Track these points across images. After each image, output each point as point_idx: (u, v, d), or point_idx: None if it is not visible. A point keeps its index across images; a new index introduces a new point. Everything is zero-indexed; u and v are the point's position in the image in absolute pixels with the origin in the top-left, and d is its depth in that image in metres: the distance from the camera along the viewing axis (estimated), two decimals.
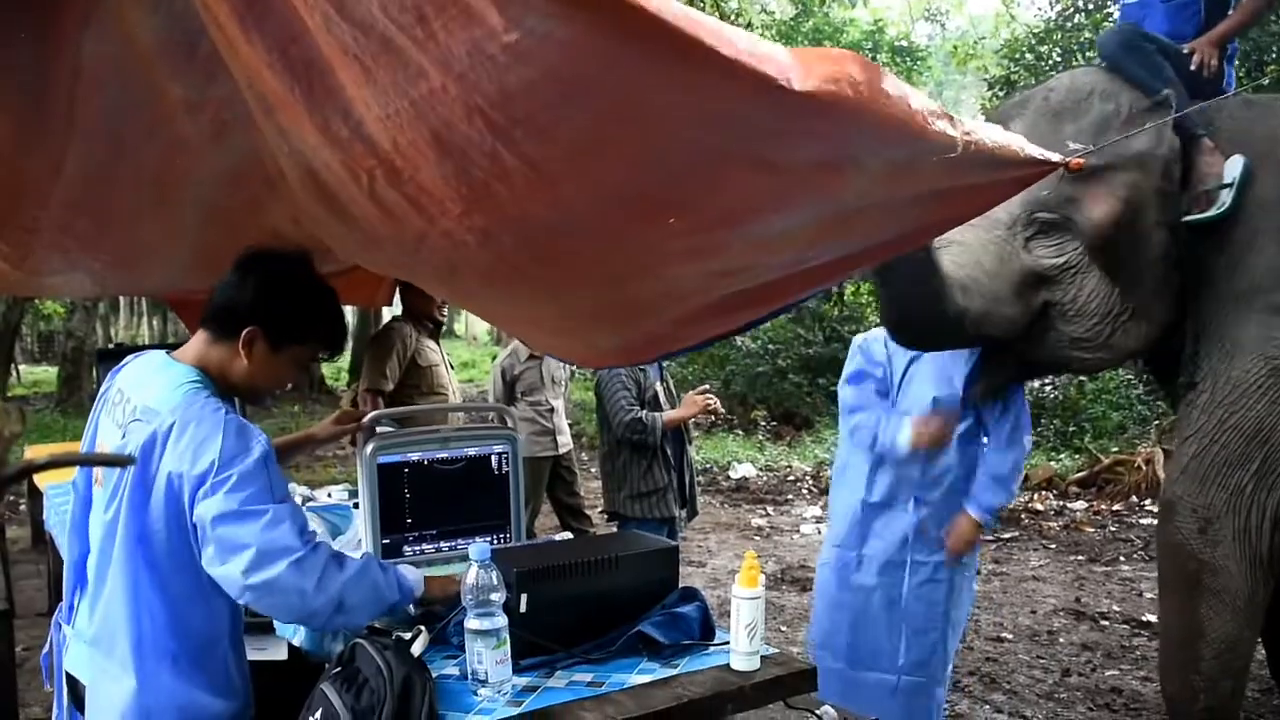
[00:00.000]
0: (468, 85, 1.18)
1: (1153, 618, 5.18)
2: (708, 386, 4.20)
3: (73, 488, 1.95)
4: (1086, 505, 8.14)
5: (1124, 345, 3.13)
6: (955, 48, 16.69)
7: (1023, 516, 7.74)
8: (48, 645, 2.08)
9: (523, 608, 1.96)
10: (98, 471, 1.85)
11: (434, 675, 1.84)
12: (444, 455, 2.46)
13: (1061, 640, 5.02)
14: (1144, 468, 8.25)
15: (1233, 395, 2.95)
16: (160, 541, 1.72)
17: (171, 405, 1.73)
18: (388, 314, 8.21)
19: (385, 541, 2.37)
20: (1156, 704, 4.03)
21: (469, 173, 1.37)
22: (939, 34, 19.98)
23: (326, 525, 2.61)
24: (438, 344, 4.76)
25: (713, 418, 4.46)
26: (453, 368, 4.99)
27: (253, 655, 1.97)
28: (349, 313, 3.96)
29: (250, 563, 1.66)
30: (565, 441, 5.25)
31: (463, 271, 1.93)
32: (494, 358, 6.23)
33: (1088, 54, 9.58)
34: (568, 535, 4.16)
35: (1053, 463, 9.15)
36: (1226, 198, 2.93)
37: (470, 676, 1.83)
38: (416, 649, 1.86)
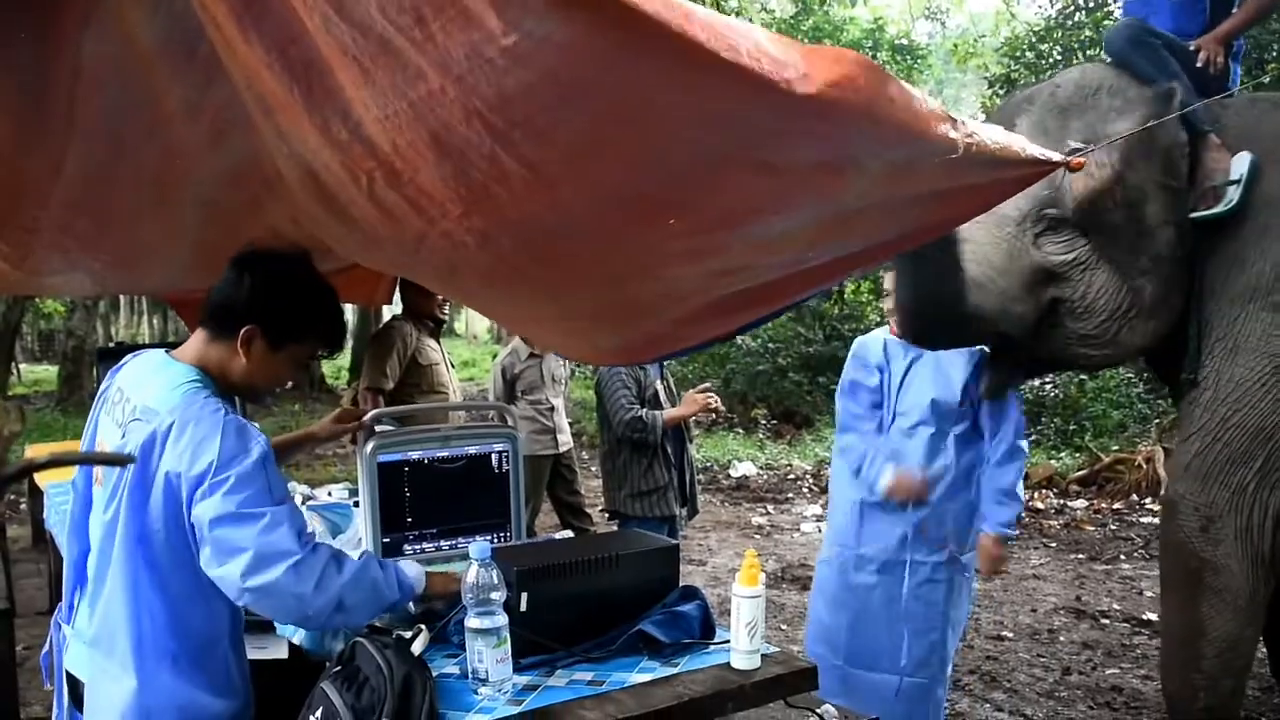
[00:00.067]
0: (466, 87, 1.18)
1: (1153, 616, 5.19)
2: (709, 385, 4.19)
3: (73, 487, 1.95)
4: (1087, 504, 8.14)
5: (1131, 342, 3.12)
6: (955, 46, 16.67)
7: (1023, 515, 7.73)
8: (47, 645, 2.08)
9: (523, 606, 1.96)
10: (98, 471, 1.85)
11: (434, 674, 1.84)
12: (444, 454, 2.46)
13: (1062, 639, 5.02)
14: (1144, 466, 8.25)
15: (1236, 393, 2.94)
16: (160, 541, 1.72)
17: (171, 405, 1.73)
18: (388, 312, 8.21)
19: (385, 540, 2.37)
20: (1157, 702, 4.03)
21: (468, 175, 1.37)
22: (939, 32, 19.94)
23: (326, 524, 2.62)
24: (438, 343, 4.76)
25: (713, 416, 4.46)
26: (453, 366, 4.99)
27: (253, 654, 1.96)
28: (349, 311, 3.97)
29: (248, 566, 1.66)
30: (566, 440, 5.25)
31: (463, 272, 1.94)
32: (494, 356, 6.23)
33: (1088, 52, 9.57)
34: (568, 534, 4.17)
35: (1053, 461, 9.16)
36: (1234, 194, 2.92)
37: (471, 675, 1.84)
38: (417, 648, 1.86)
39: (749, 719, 2.12)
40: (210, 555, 1.69)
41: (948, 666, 3.46)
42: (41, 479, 4.28)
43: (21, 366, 20.73)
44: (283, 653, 2.10)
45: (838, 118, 1.16)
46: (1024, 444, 3.37)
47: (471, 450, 2.49)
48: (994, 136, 1.33)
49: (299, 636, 2.09)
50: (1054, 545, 6.95)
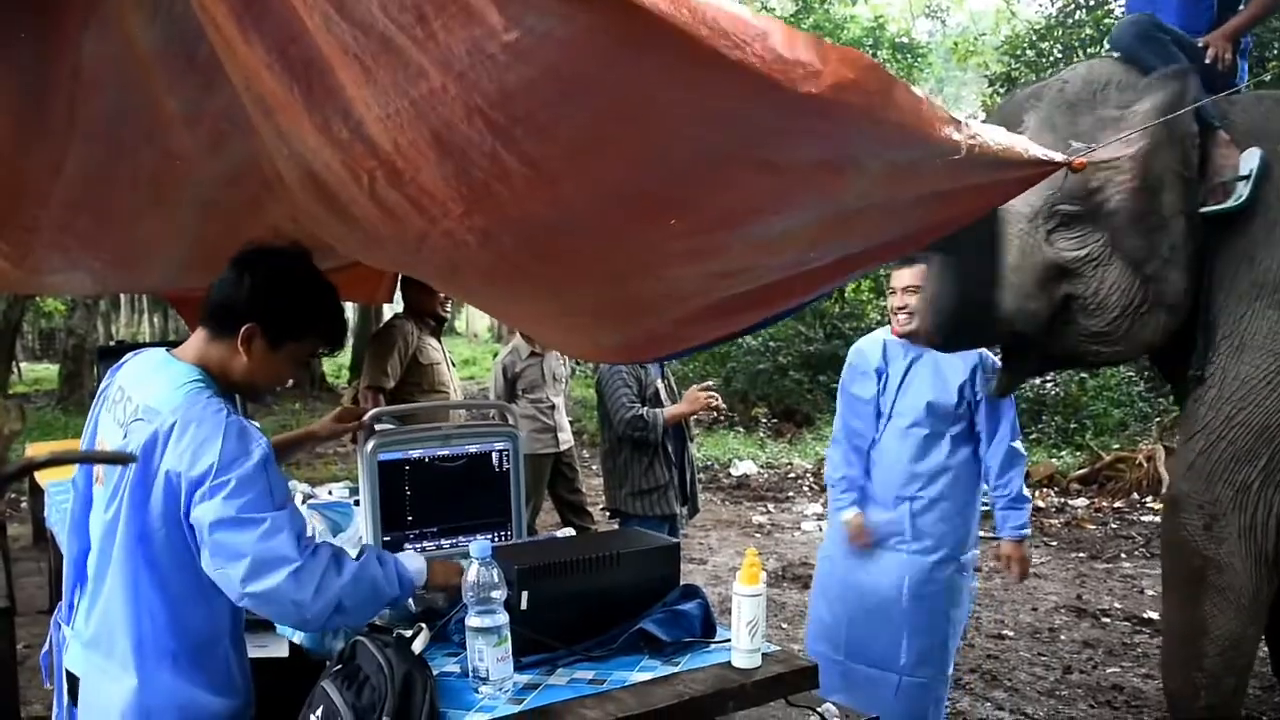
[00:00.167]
0: (467, 85, 1.18)
1: (1154, 615, 5.18)
2: (711, 384, 4.19)
3: (73, 485, 1.95)
4: (1088, 502, 8.14)
5: (1142, 337, 3.11)
6: (956, 44, 16.67)
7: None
8: (47, 644, 2.07)
9: (524, 605, 1.96)
10: (98, 470, 1.84)
11: (435, 673, 1.84)
12: (445, 452, 2.45)
13: (1063, 637, 5.02)
14: (1145, 465, 8.25)
15: (1240, 391, 2.93)
16: (160, 540, 1.72)
17: (173, 405, 1.72)
18: (389, 311, 8.21)
19: (386, 539, 2.37)
20: (1158, 701, 4.03)
21: (469, 173, 1.37)
22: (939, 30, 19.94)
23: (327, 523, 2.61)
24: (439, 342, 4.76)
25: (714, 414, 4.47)
26: (454, 365, 4.99)
27: (253, 653, 1.96)
28: (349, 309, 3.97)
29: (247, 572, 1.66)
30: (566, 438, 5.25)
31: (464, 270, 1.93)
32: (495, 355, 6.23)
33: (1089, 50, 9.56)
34: (569, 532, 4.16)
35: (1054, 460, 9.15)
36: (1244, 189, 2.91)
37: (471, 674, 1.83)
38: (417, 646, 1.86)
39: (750, 718, 2.12)
40: (210, 557, 1.68)
41: (949, 665, 3.46)
42: (42, 477, 4.28)
43: (22, 365, 20.75)
44: (283, 651, 2.10)
45: (840, 117, 1.15)
46: (1020, 444, 3.38)
47: (472, 449, 2.49)
48: (997, 138, 1.32)
49: (299, 635, 2.08)
50: (1055, 544, 6.95)
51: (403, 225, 1.62)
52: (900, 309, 3.37)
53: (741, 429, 11.81)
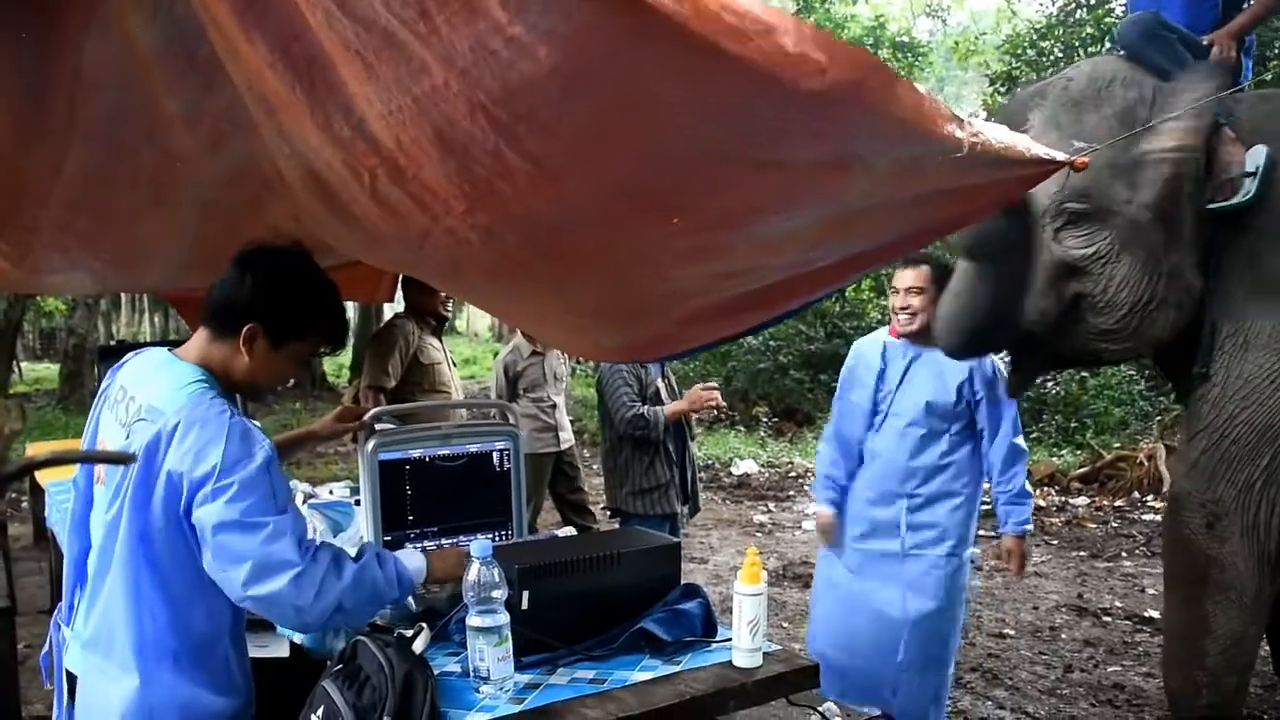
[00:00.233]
0: (470, 81, 1.17)
1: (1155, 614, 5.18)
2: (715, 385, 4.19)
3: (74, 485, 1.94)
4: (1088, 501, 8.14)
5: (1151, 334, 3.09)
6: (957, 43, 16.66)
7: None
8: (47, 645, 2.07)
9: (524, 604, 1.96)
10: (99, 469, 1.84)
11: (436, 672, 1.84)
12: (445, 452, 2.45)
13: (1064, 636, 5.02)
14: (1146, 463, 8.25)
15: (1244, 390, 2.93)
16: (161, 541, 1.71)
17: (177, 405, 1.72)
18: (390, 310, 8.21)
19: (387, 539, 2.36)
20: (1159, 700, 4.03)
21: (472, 170, 1.36)
22: (940, 29, 19.94)
23: (328, 522, 2.61)
24: (440, 341, 4.76)
25: (715, 413, 4.48)
26: (454, 365, 4.99)
27: (254, 652, 1.96)
28: (350, 309, 3.97)
29: (249, 575, 1.66)
30: (567, 437, 5.25)
31: (466, 268, 1.93)
32: (496, 354, 6.23)
33: (1090, 49, 9.56)
34: (570, 531, 4.16)
35: (1055, 459, 9.15)
36: (1251, 186, 2.90)
37: (472, 673, 1.83)
38: (418, 646, 1.86)
39: (751, 717, 2.12)
40: (212, 559, 1.68)
41: (950, 663, 3.46)
42: (43, 477, 4.28)
43: (23, 364, 20.76)
44: (284, 651, 2.10)
45: (843, 115, 1.15)
46: (1022, 441, 3.39)
47: (473, 448, 2.49)
48: (999, 136, 1.32)
49: (300, 635, 2.08)
50: (1056, 543, 6.94)
51: (405, 223, 1.62)
52: (902, 309, 3.37)
53: (742, 428, 11.81)
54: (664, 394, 4.15)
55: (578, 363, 11.69)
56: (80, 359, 14.49)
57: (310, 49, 1.30)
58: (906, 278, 3.36)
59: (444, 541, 2.44)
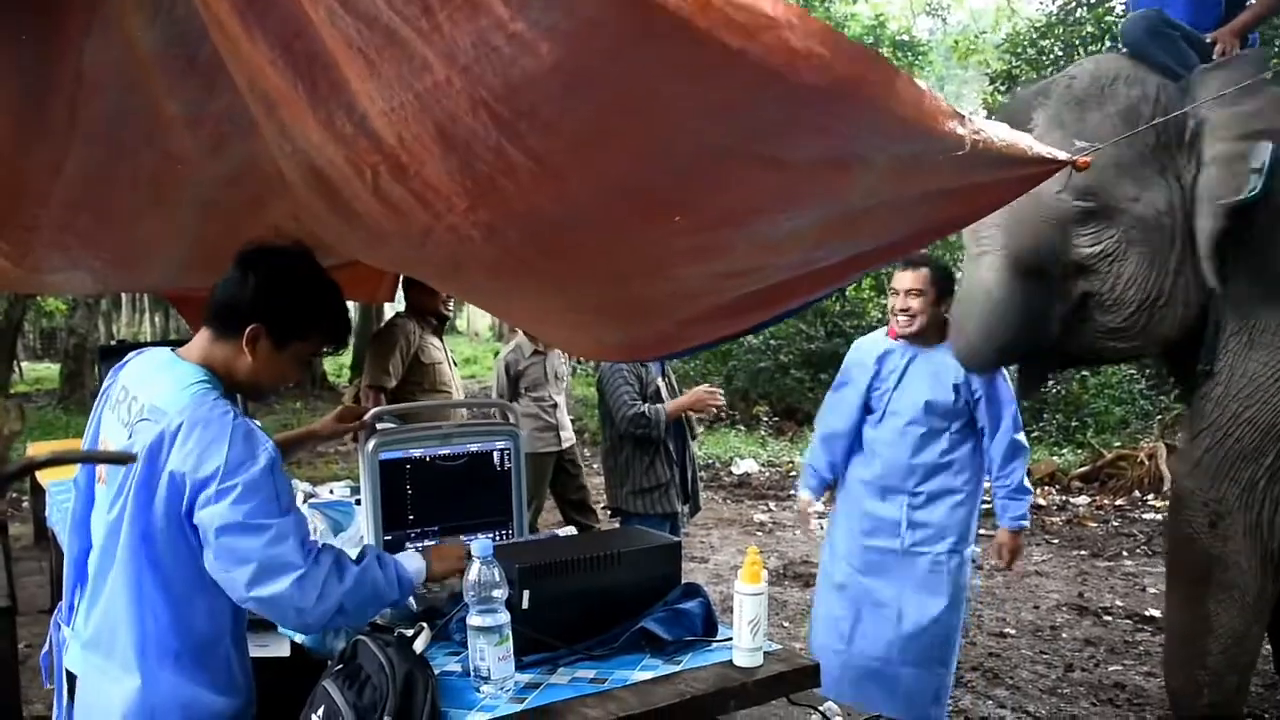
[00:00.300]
0: (472, 77, 1.17)
1: (1156, 613, 5.18)
2: (720, 394, 4.19)
3: (74, 484, 1.94)
4: (1089, 500, 8.13)
5: (1159, 332, 3.10)
6: (956, 42, 16.66)
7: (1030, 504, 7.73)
8: (47, 645, 2.07)
9: (525, 604, 1.96)
10: (101, 469, 1.84)
11: (436, 672, 1.83)
12: (446, 452, 2.45)
13: (1064, 635, 5.01)
14: (1146, 462, 8.25)
15: (1248, 389, 2.93)
16: (164, 541, 1.71)
17: (180, 406, 1.72)
18: (390, 310, 8.21)
19: (387, 538, 2.36)
20: (1160, 699, 4.03)
21: (474, 167, 1.36)
22: (940, 29, 19.95)
23: (328, 522, 2.61)
24: (441, 341, 4.76)
25: (715, 413, 4.48)
26: (455, 364, 4.98)
27: (255, 652, 1.96)
28: (351, 308, 3.97)
29: (252, 577, 1.66)
30: (568, 436, 5.25)
31: (468, 266, 1.93)
32: (496, 354, 6.23)
33: (1090, 48, 9.55)
34: (571, 530, 4.16)
35: (1055, 458, 9.15)
36: (1256, 182, 2.90)
37: (473, 673, 1.83)
38: (419, 646, 1.86)
39: (752, 717, 2.11)
40: (215, 560, 1.68)
41: (951, 661, 3.46)
42: (43, 477, 4.28)
43: (23, 364, 20.75)
44: (285, 651, 2.10)
45: (844, 111, 1.15)
46: (1023, 437, 3.39)
47: (473, 448, 2.49)
48: (1001, 134, 1.32)
49: (301, 635, 2.08)
50: (1056, 542, 6.94)
51: (407, 221, 1.62)
52: (902, 311, 3.37)
53: (743, 427, 11.81)
54: (664, 392, 4.15)
55: (578, 362, 11.69)
56: (81, 359, 14.48)
57: (312, 46, 1.29)
58: (905, 280, 3.36)
59: (444, 541, 2.43)
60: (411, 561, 1.93)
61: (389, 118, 1.33)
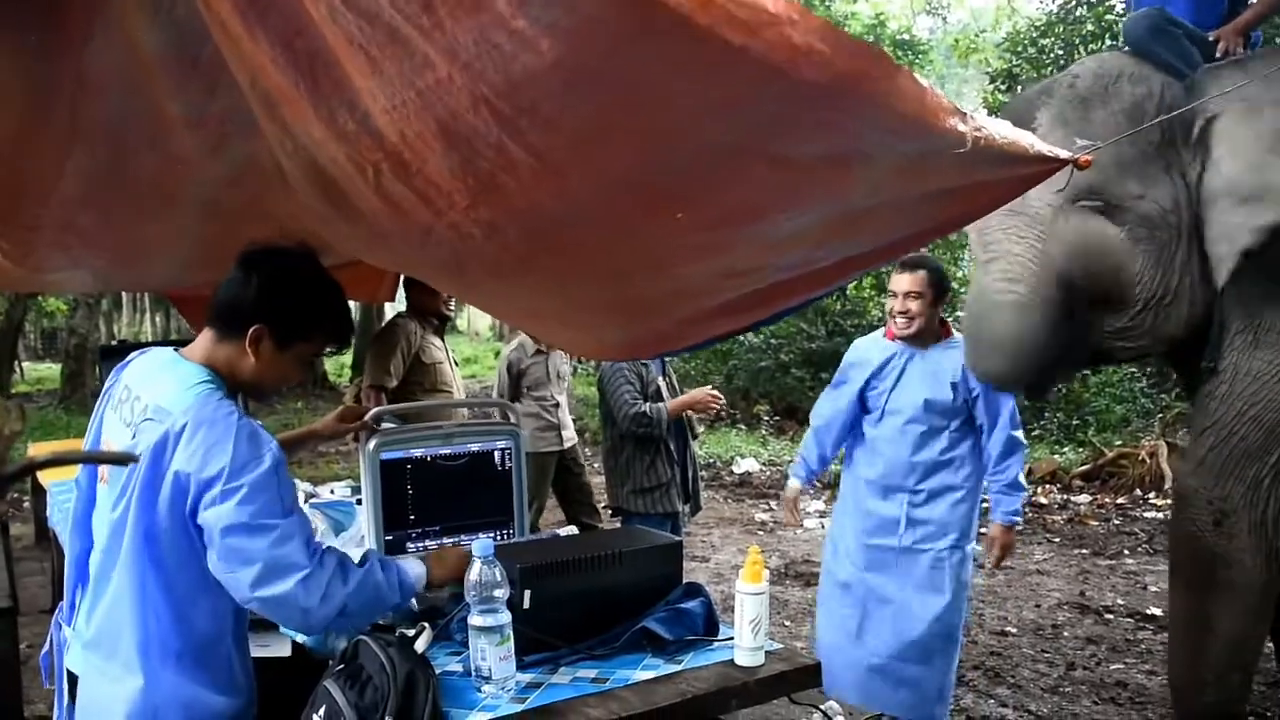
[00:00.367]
0: (474, 74, 1.17)
1: (1158, 611, 5.18)
2: (721, 398, 4.19)
3: (75, 484, 1.94)
4: (1090, 499, 8.13)
5: (1165, 330, 3.09)
6: (957, 41, 16.67)
7: (1026, 510, 7.72)
8: (47, 645, 2.07)
9: (526, 604, 1.96)
10: (103, 469, 1.84)
11: (437, 672, 1.83)
12: (447, 451, 2.45)
13: (1066, 634, 5.01)
14: (1148, 461, 8.24)
15: (1253, 387, 2.92)
16: (167, 541, 1.71)
17: (184, 406, 1.72)
18: (391, 310, 8.21)
19: (388, 538, 2.36)
20: (1162, 698, 4.03)
21: (475, 164, 1.36)
22: (940, 27, 19.94)
23: (329, 522, 2.61)
24: (442, 340, 4.76)
25: (715, 413, 4.49)
26: (456, 364, 4.98)
27: (256, 652, 1.96)
28: (352, 308, 3.97)
29: (257, 577, 1.66)
30: (570, 436, 5.25)
31: (469, 265, 1.92)
32: (497, 353, 6.23)
33: (1090, 47, 9.55)
34: (572, 530, 4.16)
35: (1056, 456, 9.14)
36: None
37: (474, 673, 1.83)
38: (420, 645, 1.86)
39: (753, 716, 2.11)
40: (219, 560, 1.68)
41: (953, 659, 3.46)
42: (44, 477, 4.28)
43: (24, 364, 20.76)
44: (286, 650, 2.10)
45: (846, 108, 1.14)
46: (1020, 434, 3.39)
47: (474, 448, 2.49)
48: (1002, 132, 1.31)
49: (302, 635, 2.08)
50: (1057, 540, 6.94)
51: (408, 218, 1.62)
52: (900, 313, 3.37)
53: (743, 426, 11.81)
54: (665, 392, 4.15)
55: (579, 361, 11.68)
56: (82, 359, 14.48)
57: (313, 44, 1.29)
58: (903, 282, 3.36)
59: (445, 541, 2.44)
60: (412, 567, 1.94)
61: (391, 115, 1.33)
